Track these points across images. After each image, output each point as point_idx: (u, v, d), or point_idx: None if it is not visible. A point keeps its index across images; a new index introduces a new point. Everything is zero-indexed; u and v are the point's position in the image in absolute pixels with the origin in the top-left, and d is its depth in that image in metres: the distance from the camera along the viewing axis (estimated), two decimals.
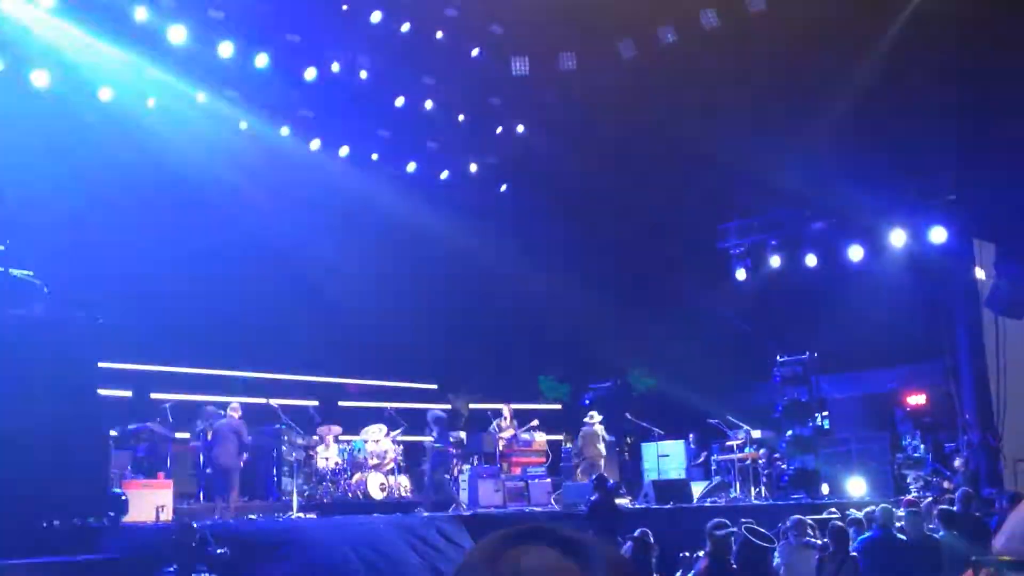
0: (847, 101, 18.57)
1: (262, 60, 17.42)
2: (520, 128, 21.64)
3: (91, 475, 11.51)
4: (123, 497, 11.89)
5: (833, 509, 13.95)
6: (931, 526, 11.11)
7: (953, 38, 16.62)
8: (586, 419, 18.66)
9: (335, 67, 18.44)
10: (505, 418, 17.94)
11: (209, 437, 14.70)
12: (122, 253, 17.09)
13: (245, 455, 14.70)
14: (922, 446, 19.34)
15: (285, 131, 19.15)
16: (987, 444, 18.61)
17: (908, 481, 18.62)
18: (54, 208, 15.79)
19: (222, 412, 14.88)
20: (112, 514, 11.45)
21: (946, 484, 17.33)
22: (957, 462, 17.84)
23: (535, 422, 18.36)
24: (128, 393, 16.72)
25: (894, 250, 20.57)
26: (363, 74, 18.81)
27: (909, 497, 14.64)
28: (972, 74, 17.17)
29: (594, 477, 14.69)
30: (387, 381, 21.25)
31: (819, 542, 10.69)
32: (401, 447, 17.09)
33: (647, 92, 19.06)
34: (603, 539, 1.42)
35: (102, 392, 12.61)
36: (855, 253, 20.94)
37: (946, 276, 20.20)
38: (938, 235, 19.64)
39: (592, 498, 13.65)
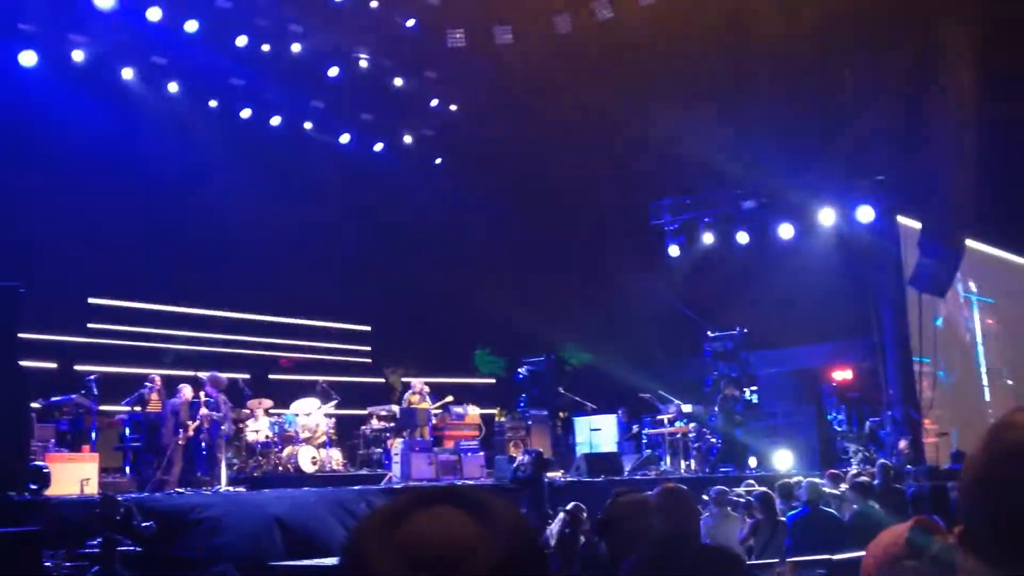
0: (778, 81, 18.77)
1: (192, 26, 17.09)
2: (453, 108, 21.45)
3: (12, 448, 11.24)
4: (45, 470, 11.64)
5: (751, 481, 14.23)
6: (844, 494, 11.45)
7: (884, 18, 16.86)
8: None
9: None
10: (416, 392, 17.70)
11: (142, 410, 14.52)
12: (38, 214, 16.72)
13: (182, 434, 14.53)
14: (868, 423, 19.57)
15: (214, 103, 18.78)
16: (909, 418, 19.08)
17: (849, 454, 18.97)
18: None
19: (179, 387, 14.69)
20: (34, 487, 11.21)
21: (882, 461, 17.62)
22: (902, 443, 18.05)
23: (450, 398, 18.29)
24: (52, 365, 16.36)
25: (823, 229, 20.92)
26: (296, 47, 18.53)
27: (834, 471, 14.91)
28: (902, 54, 17.45)
29: (533, 452, 14.69)
30: (319, 355, 21.05)
31: (739, 511, 10.86)
32: (333, 420, 17.02)
33: (582, 68, 19.04)
34: (509, 501, 1.41)
35: (24, 364, 12.27)
36: (785, 231, 21.25)
37: (873, 255, 20.60)
38: (865, 214, 20.01)
39: (521, 470, 13.72)
